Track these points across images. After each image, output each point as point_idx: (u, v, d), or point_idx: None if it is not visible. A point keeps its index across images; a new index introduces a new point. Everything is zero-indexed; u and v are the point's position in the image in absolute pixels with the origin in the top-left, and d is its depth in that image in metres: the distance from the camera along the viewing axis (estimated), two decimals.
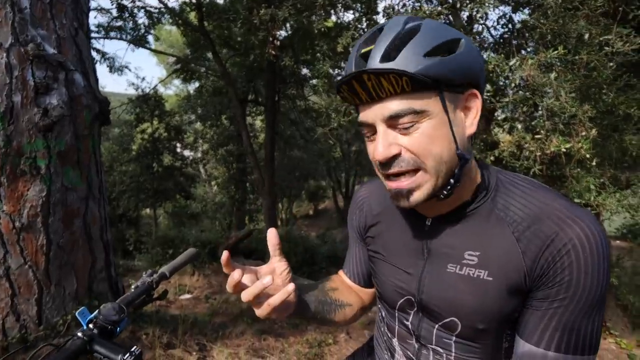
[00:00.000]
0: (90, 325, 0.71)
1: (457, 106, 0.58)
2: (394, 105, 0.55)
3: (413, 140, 0.56)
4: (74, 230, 2.31)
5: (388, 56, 0.54)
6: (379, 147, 0.57)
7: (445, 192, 0.60)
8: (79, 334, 0.67)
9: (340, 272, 0.93)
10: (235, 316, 3.89)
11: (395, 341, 0.76)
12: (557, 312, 0.55)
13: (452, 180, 0.59)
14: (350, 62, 0.59)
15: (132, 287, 0.89)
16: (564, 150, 2.02)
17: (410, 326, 0.71)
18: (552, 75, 2.04)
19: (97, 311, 0.74)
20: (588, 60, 2.03)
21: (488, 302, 0.60)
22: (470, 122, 0.60)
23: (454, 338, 0.65)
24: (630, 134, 2.34)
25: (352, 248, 0.90)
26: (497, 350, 0.64)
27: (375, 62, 0.54)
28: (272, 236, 0.64)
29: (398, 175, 0.59)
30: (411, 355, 0.72)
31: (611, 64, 2.03)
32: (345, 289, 0.87)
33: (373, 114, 0.58)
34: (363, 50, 0.58)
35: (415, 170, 0.58)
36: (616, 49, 1.94)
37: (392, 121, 0.56)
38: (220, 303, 4.27)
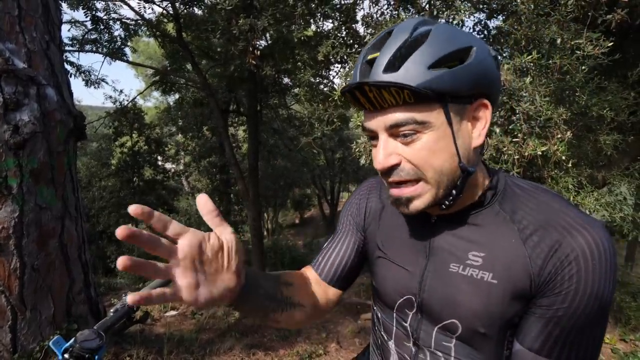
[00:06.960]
0: (66, 355, 0.66)
1: (463, 117, 0.57)
2: (396, 116, 0.55)
3: (414, 151, 0.56)
4: (50, 251, 2.21)
5: (392, 66, 0.53)
6: (379, 156, 0.57)
7: (447, 202, 0.60)
8: None
9: (307, 268, 0.84)
10: (222, 331, 3.78)
11: (391, 344, 0.73)
12: (561, 320, 0.53)
13: (454, 192, 0.59)
14: (356, 68, 0.58)
15: (111, 310, 0.84)
16: (539, 153, 2.08)
17: (408, 328, 0.69)
18: (527, 79, 2.10)
19: (73, 339, 0.69)
20: (561, 64, 2.10)
21: (491, 305, 0.58)
22: (477, 133, 0.59)
23: (453, 341, 0.62)
24: (604, 134, 2.42)
25: (334, 242, 0.83)
26: (498, 358, 0.61)
27: (378, 72, 0.54)
28: (203, 201, 0.54)
29: (399, 183, 0.59)
30: (408, 359, 0.70)
31: (583, 67, 2.10)
32: (302, 286, 0.76)
33: (375, 122, 0.58)
34: (369, 57, 0.57)
35: (416, 180, 0.58)
36: (587, 52, 2.01)
37: (393, 130, 0.56)
38: (207, 318, 4.15)
